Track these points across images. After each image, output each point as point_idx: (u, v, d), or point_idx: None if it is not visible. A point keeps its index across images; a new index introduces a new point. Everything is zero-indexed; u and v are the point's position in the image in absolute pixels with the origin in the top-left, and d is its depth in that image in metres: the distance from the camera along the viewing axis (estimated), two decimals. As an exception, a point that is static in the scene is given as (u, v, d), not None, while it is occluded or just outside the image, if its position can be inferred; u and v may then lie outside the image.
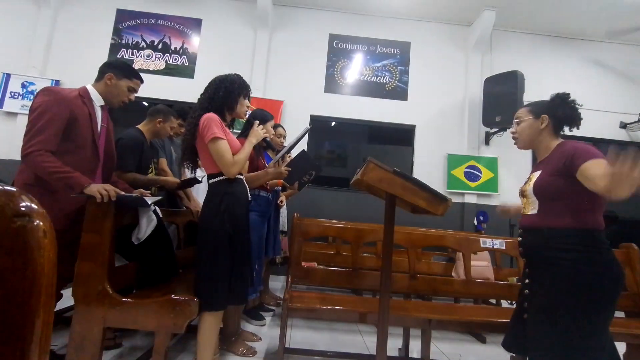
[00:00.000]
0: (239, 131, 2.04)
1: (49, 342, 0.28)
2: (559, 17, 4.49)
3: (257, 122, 1.72)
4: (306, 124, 4.45)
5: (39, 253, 0.27)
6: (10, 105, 4.19)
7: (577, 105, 1.32)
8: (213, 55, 4.59)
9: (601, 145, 4.72)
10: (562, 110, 1.31)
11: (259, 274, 2.18)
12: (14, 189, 0.28)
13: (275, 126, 2.69)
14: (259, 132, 1.65)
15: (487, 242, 2.26)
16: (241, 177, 1.61)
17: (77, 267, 1.35)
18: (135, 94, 1.72)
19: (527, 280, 1.32)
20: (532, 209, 1.30)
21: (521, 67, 4.14)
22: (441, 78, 4.72)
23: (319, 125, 4.61)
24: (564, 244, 1.19)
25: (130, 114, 4.21)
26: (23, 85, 4.24)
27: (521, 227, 1.37)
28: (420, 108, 4.65)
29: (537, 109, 1.34)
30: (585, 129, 1.37)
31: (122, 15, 4.59)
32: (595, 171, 1.09)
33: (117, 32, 4.56)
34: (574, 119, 1.32)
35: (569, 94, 1.33)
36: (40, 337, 0.27)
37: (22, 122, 4.17)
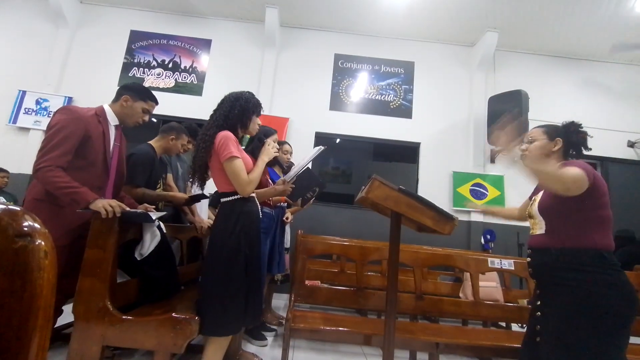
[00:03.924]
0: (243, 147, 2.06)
1: (43, 366, 0.28)
2: (561, 38, 4.56)
3: (268, 140, 1.72)
4: (311, 141, 4.52)
5: (38, 274, 0.26)
6: (23, 120, 4.31)
7: (588, 136, 1.37)
8: (221, 74, 4.72)
9: (609, 164, 4.67)
10: (576, 137, 1.35)
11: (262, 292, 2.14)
12: (18, 209, 0.28)
13: (282, 143, 2.71)
14: (270, 150, 1.64)
15: (495, 262, 2.20)
16: (253, 195, 1.60)
17: (79, 283, 1.33)
18: (150, 115, 1.76)
19: (538, 302, 1.29)
20: (540, 228, 1.31)
21: (525, 86, 4.17)
22: (445, 97, 4.77)
23: (323, 143, 4.64)
24: (574, 264, 1.18)
25: (140, 129, 4.29)
26: (37, 102, 4.37)
27: (529, 247, 1.36)
28: (424, 126, 4.68)
29: (552, 131, 1.37)
30: (592, 149, 1.38)
31: (135, 36, 4.77)
32: (567, 172, 1.19)
33: (129, 51, 4.73)
34: (583, 147, 1.37)
35: (581, 123, 1.37)
36: (35, 361, 0.26)
37: (34, 137, 4.27)
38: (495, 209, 1.76)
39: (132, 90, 1.69)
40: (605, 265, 1.14)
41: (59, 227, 1.43)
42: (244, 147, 1.76)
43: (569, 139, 1.35)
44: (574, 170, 1.18)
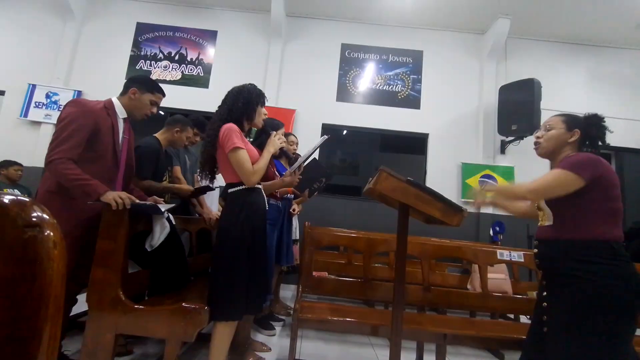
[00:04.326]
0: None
1: (55, 354, 0.28)
2: (576, 24, 4.40)
3: (275, 132, 1.73)
4: (318, 133, 4.49)
5: (48, 264, 0.27)
6: (34, 114, 4.38)
7: (608, 131, 1.32)
8: (227, 65, 4.70)
9: (624, 155, 4.54)
10: (596, 131, 1.31)
11: (270, 283, 2.17)
12: (27, 199, 0.28)
13: (287, 135, 2.70)
14: (276, 141, 1.66)
15: (504, 254, 2.18)
16: (259, 186, 1.62)
17: (92, 273, 1.37)
18: (157, 108, 1.77)
19: (544, 293, 1.29)
20: (548, 220, 1.30)
21: (537, 75, 4.05)
22: (455, 86, 4.67)
23: (330, 134, 4.62)
24: (582, 255, 1.17)
25: (147, 122, 4.34)
26: (47, 96, 4.43)
27: (537, 238, 1.35)
28: (433, 116, 4.60)
29: (571, 121, 1.33)
30: (607, 139, 1.34)
31: (142, 28, 4.77)
32: (539, 179, 1.23)
33: (136, 44, 4.73)
34: (600, 141, 1.32)
35: (604, 117, 1.32)
36: (47, 349, 0.26)
37: (46, 130, 4.34)
38: (506, 204, 1.56)
39: (140, 82, 1.69)
40: (613, 257, 1.13)
41: (72, 219, 1.46)
42: (251, 140, 1.76)
43: (588, 131, 1.31)
44: (549, 177, 1.21)
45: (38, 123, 4.39)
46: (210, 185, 2.09)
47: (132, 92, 1.66)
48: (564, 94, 4.52)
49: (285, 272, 2.82)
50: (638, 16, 4.12)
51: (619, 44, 4.67)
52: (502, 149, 4.45)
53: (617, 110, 4.47)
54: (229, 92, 1.63)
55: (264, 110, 1.70)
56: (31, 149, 4.25)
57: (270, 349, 2.12)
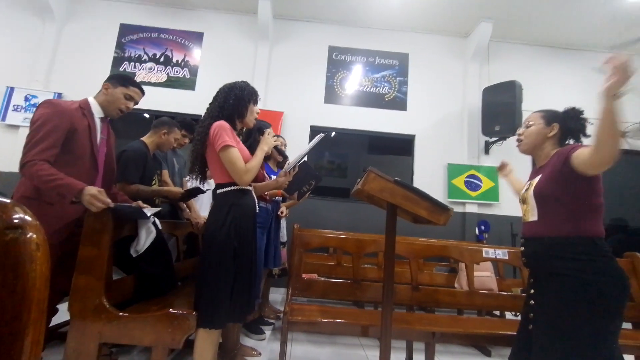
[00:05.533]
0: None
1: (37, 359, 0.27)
2: (556, 29, 4.57)
3: (269, 130, 1.71)
4: (306, 135, 4.50)
5: (30, 267, 0.26)
6: (12, 118, 4.22)
7: (588, 123, 1.33)
8: (214, 67, 4.65)
9: (601, 154, 4.72)
10: (575, 124, 1.33)
11: (258, 287, 2.15)
12: (7, 201, 0.28)
13: (275, 137, 2.69)
14: (270, 140, 1.62)
15: (489, 252, 2.23)
16: (250, 187, 1.57)
17: (73, 281, 1.32)
18: (135, 104, 1.71)
19: (531, 291, 1.31)
20: (532, 215, 1.30)
21: (519, 77, 4.18)
22: (440, 88, 4.77)
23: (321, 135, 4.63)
24: (566, 252, 1.18)
25: (132, 125, 4.25)
26: (26, 99, 4.27)
27: (523, 236, 1.37)
28: (419, 118, 4.68)
29: (550, 116, 1.35)
30: (584, 139, 1.37)
31: (125, 30, 4.67)
32: (585, 149, 1.15)
33: (120, 45, 4.63)
34: (581, 134, 1.34)
35: (583, 110, 1.34)
36: (30, 355, 0.26)
37: (24, 134, 4.17)
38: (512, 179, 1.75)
39: (113, 77, 1.65)
40: (597, 253, 1.15)
41: (49, 226, 1.40)
42: (241, 139, 1.74)
43: (567, 124, 1.33)
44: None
45: (16, 127, 4.23)
46: (201, 187, 2.06)
47: (105, 86, 1.62)
48: (544, 96, 4.67)
49: (279, 276, 2.79)
50: (617, 20, 4.30)
51: (598, 47, 4.86)
52: (486, 150, 4.56)
53: (595, 112, 4.65)
54: (220, 89, 1.57)
55: (256, 108, 1.64)
56: (9, 153, 4.09)
57: (260, 354, 2.10)
